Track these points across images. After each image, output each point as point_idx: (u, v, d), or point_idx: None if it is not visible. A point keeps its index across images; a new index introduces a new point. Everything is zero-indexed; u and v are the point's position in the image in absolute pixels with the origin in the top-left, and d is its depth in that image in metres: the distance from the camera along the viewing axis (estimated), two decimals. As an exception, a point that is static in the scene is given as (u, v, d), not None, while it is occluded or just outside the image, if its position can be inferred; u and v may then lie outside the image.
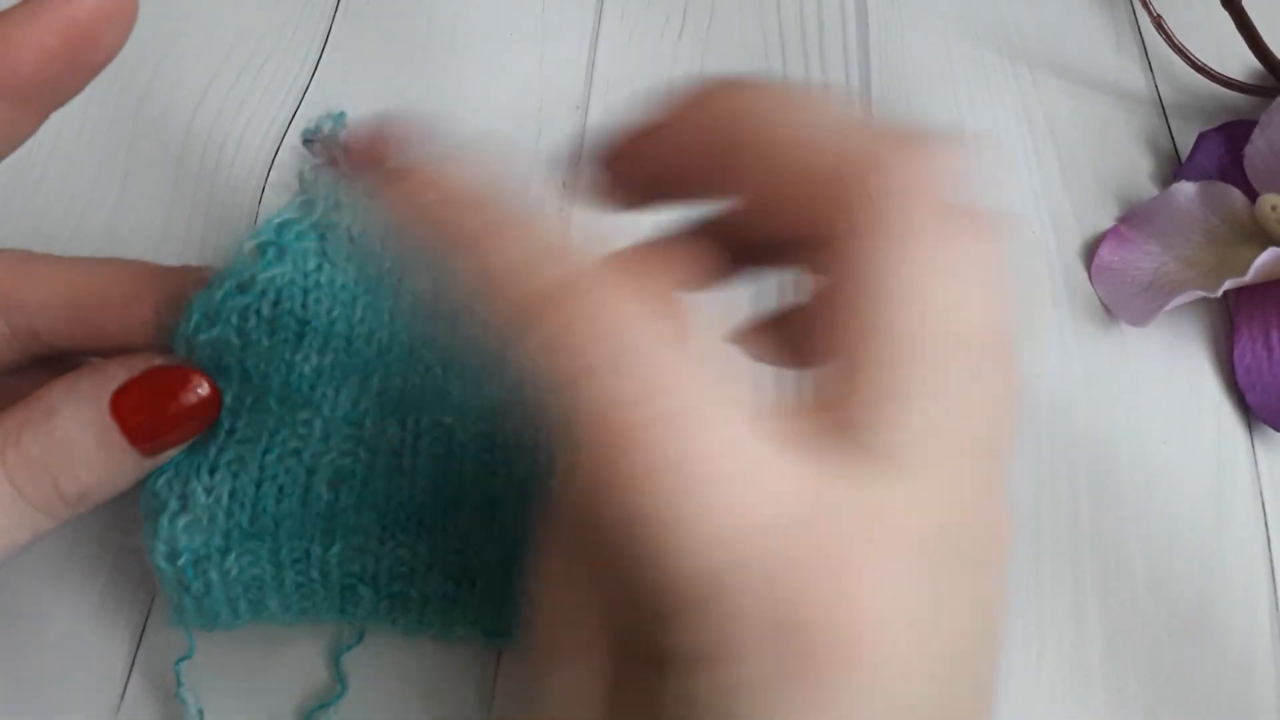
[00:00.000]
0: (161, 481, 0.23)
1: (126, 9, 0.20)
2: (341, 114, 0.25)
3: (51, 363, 0.24)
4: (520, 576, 0.25)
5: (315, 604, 0.24)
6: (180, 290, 0.23)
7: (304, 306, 0.23)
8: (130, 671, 0.26)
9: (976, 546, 0.16)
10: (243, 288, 0.23)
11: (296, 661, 0.26)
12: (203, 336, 0.23)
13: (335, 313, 0.24)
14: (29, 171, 0.33)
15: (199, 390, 0.22)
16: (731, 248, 0.20)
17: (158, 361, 0.22)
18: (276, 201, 0.33)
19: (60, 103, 0.21)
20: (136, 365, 0.22)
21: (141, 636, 0.26)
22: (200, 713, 0.25)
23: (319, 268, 0.23)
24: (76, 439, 0.20)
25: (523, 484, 0.25)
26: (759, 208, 0.18)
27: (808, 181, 0.17)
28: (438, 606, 0.25)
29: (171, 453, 0.22)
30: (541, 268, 0.16)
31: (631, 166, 0.20)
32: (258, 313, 0.23)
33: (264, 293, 0.23)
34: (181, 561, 0.22)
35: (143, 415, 0.21)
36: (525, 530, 0.25)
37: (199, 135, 0.34)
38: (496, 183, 0.18)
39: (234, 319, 0.23)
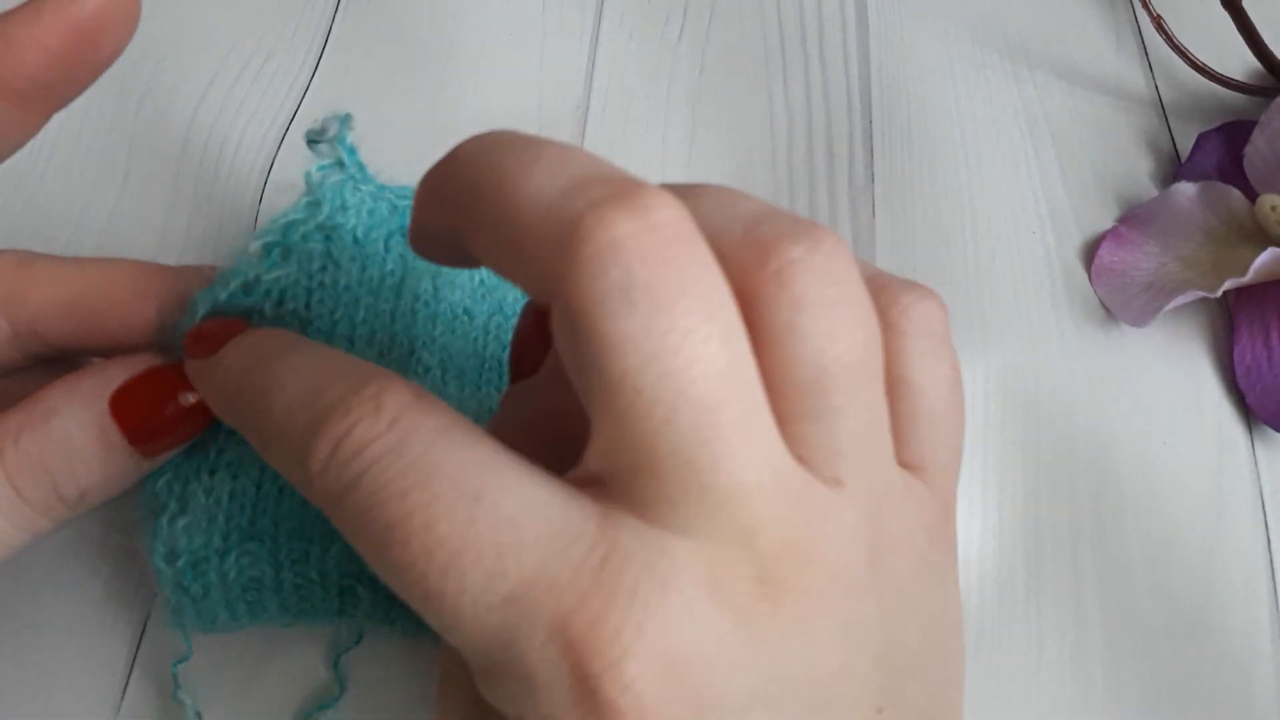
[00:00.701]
0: (161, 483, 0.23)
1: (130, 10, 0.20)
2: (347, 115, 0.25)
3: (53, 363, 0.24)
4: None
5: (314, 605, 0.24)
6: (183, 290, 0.23)
7: (308, 307, 0.23)
8: (130, 673, 0.26)
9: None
10: (247, 288, 0.23)
11: (295, 662, 0.26)
12: None
13: (339, 314, 0.24)
14: (29, 171, 0.33)
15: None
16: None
17: (158, 362, 0.22)
18: (277, 201, 0.33)
19: (63, 104, 0.21)
20: (136, 366, 0.22)
21: (141, 638, 0.26)
22: (198, 715, 0.25)
23: (324, 269, 0.23)
24: (76, 440, 0.20)
25: None
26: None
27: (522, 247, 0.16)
28: None
29: (171, 453, 0.22)
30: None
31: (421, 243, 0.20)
32: (261, 313, 0.23)
33: (268, 293, 0.23)
34: (180, 563, 0.22)
35: (143, 416, 0.21)
36: None
37: (199, 135, 0.34)
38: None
39: (239, 314, 0.23)
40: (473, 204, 0.16)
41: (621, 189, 0.14)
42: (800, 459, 0.16)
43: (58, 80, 0.20)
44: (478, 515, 0.15)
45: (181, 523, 0.22)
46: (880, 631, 0.17)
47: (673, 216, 0.15)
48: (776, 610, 0.15)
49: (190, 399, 0.22)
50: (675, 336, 0.14)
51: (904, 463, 0.19)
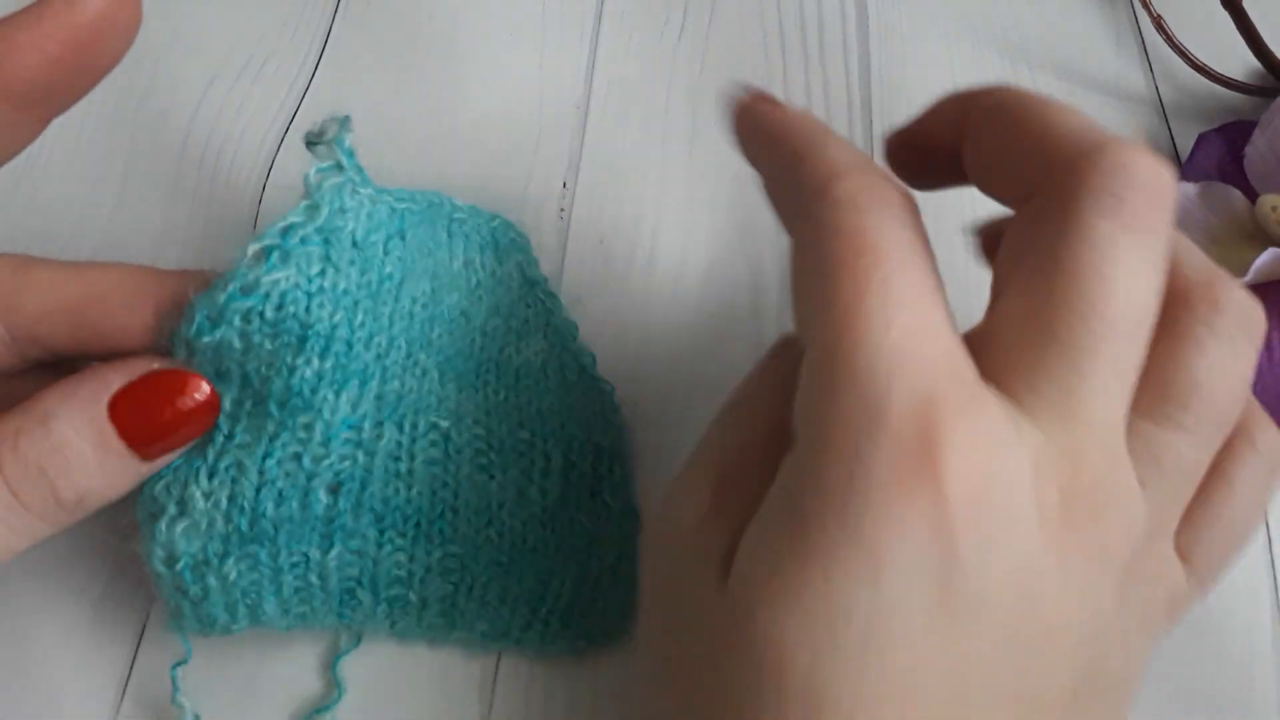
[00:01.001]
0: (160, 486, 0.23)
1: (130, 16, 0.20)
2: (346, 117, 0.25)
3: (52, 367, 0.24)
4: (517, 579, 0.25)
5: (313, 608, 0.24)
6: (181, 295, 0.23)
7: (307, 310, 0.23)
8: (129, 675, 0.26)
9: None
10: (246, 290, 0.23)
11: (294, 666, 0.26)
12: (205, 339, 0.23)
13: (338, 317, 0.23)
14: (29, 172, 0.33)
15: (198, 394, 0.22)
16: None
17: (156, 365, 0.22)
18: (277, 201, 0.33)
19: (63, 108, 0.21)
20: (135, 369, 0.22)
21: (140, 641, 0.26)
22: (197, 718, 0.25)
23: (322, 272, 0.23)
24: (74, 444, 0.20)
25: (518, 486, 0.25)
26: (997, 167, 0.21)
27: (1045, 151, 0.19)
28: (436, 609, 0.25)
29: (170, 457, 0.22)
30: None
31: (904, 152, 0.24)
32: (260, 315, 0.23)
33: (267, 295, 0.23)
34: (179, 566, 0.22)
35: (141, 420, 0.21)
36: (521, 533, 0.25)
37: (199, 136, 0.34)
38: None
39: (236, 321, 0.23)
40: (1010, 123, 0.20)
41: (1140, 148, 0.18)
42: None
43: (57, 85, 0.20)
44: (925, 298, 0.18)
45: (180, 526, 0.22)
46: (1101, 627, 0.18)
47: (1170, 185, 0.18)
48: (1066, 533, 0.17)
49: (191, 401, 0.22)
50: (1128, 258, 0.17)
51: (1178, 546, 0.20)
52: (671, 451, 0.28)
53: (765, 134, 0.21)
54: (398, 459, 0.24)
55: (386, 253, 0.25)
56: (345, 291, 0.24)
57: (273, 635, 0.25)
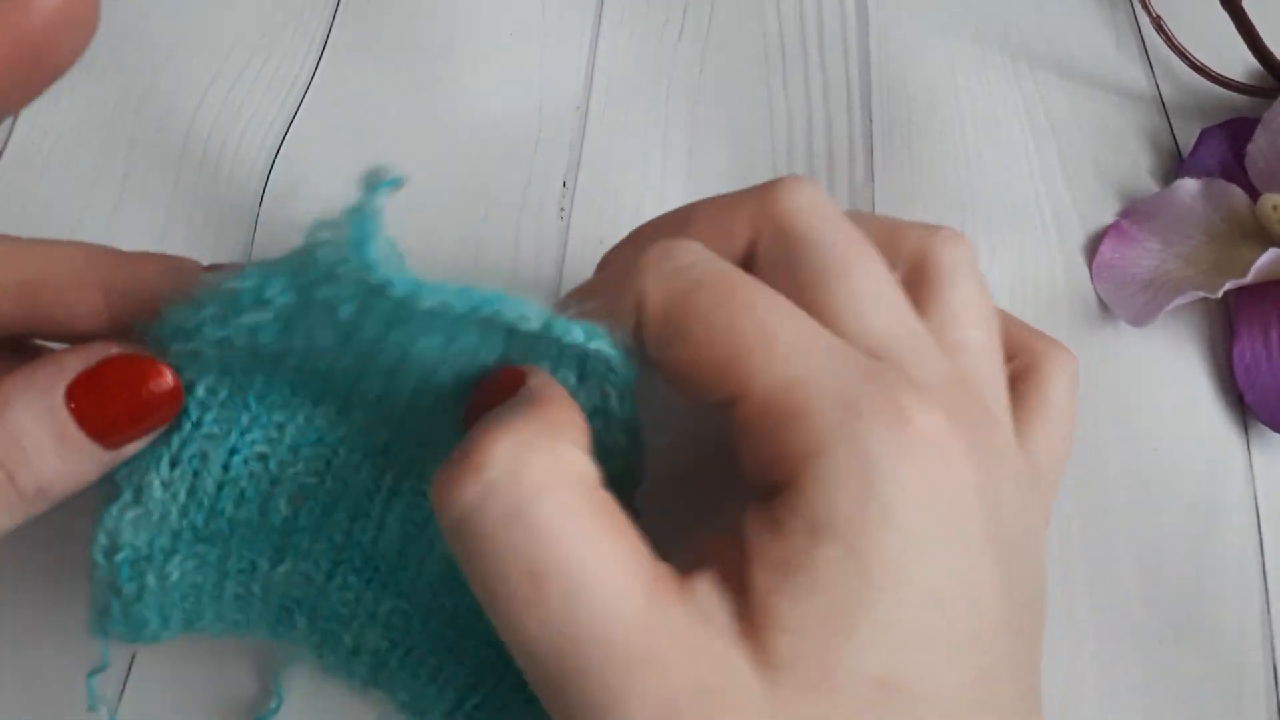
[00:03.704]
0: (122, 470, 0.21)
1: (86, 15, 0.19)
2: (395, 179, 0.18)
3: (15, 352, 0.23)
4: (456, 662, 0.23)
5: (249, 619, 0.23)
6: (134, 278, 0.22)
7: (281, 338, 0.20)
8: (128, 674, 0.26)
9: None
10: (219, 321, 0.20)
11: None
12: (175, 348, 0.21)
13: (313, 353, 0.20)
14: (28, 172, 0.33)
15: (162, 381, 0.21)
16: None
17: (114, 350, 0.20)
18: (277, 201, 0.33)
19: (16, 109, 0.20)
20: (94, 355, 0.20)
21: (136, 651, 0.26)
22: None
23: (301, 319, 0.20)
24: (32, 433, 0.19)
25: None
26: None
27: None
28: (367, 661, 0.24)
29: (135, 446, 0.21)
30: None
31: None
32: (233, 344, 0.20)
33: (240, 330, 0.20)
34: (119, 557, 0.21)
35: (101, 408, 0.20)
36: (476, 617, 0.21)
37: (199, 136, 0.34)
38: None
39: (211, 337, 0.20)
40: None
41: None
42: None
43: (9, 89, 0.19)
44: None
45: (131, 514, 0.21)
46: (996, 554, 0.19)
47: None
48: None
49: (154, 388, 0.20)
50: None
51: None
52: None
53: None
54: (371, 499, 0.23)
55: (386, 332, 0.19)
56: (326, 339, 0.20)
57: (211, 641, 0.24)
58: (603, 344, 0.20)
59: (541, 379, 0.20)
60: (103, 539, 0.21)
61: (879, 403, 0.18)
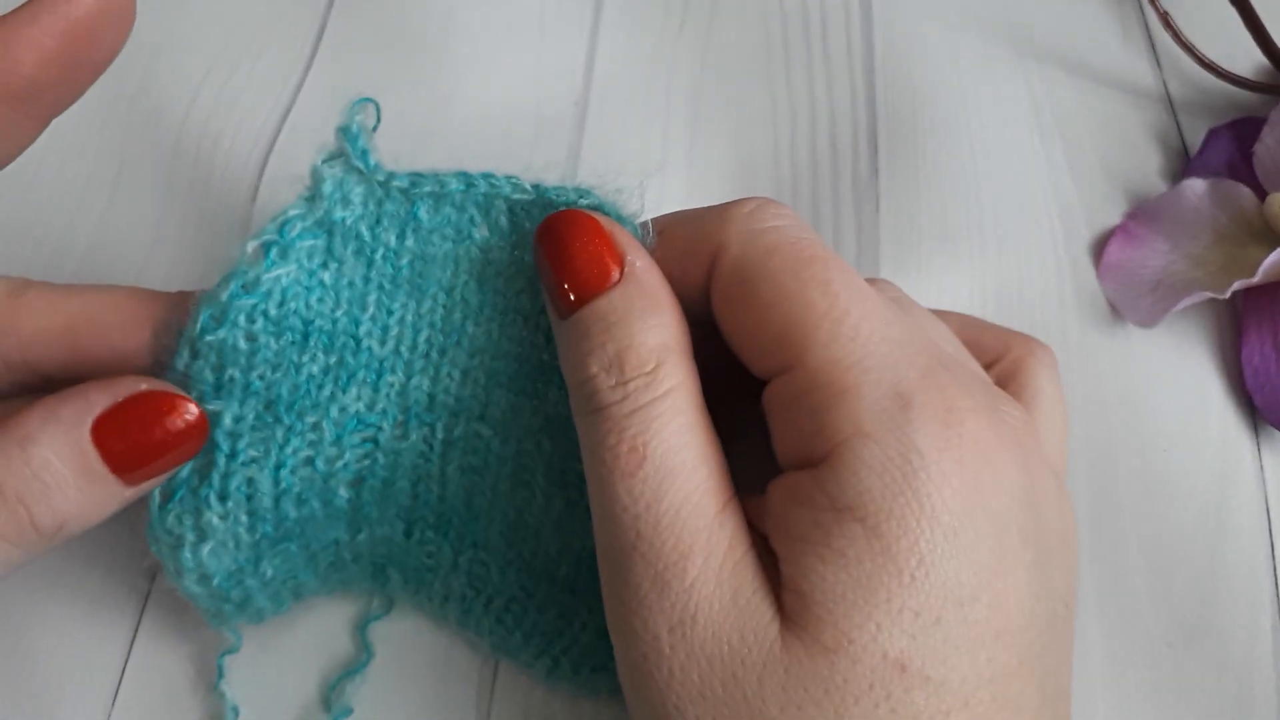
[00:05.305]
0: (170, 518, 0.22)
1: (125, 7, 0.20)
2: (359, 101, 0.24)
3: (41, 393, 0.23)
4: (538, 610, 0.25)
5: (349, 577, 0.25)
6: (178, 317, 0.22)
7: (308, 305, 0.22)
8: (124, 670, 0.26)
9: None
10: (248, 288, 0.22)
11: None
12: (209, 337, 0.22)
13: (340, 311, 0.23)
14: (21, 170, 0.32)
15: (187, 415, 0.21)
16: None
17: (143, 386, 0.21)
18: (272, 197, 0.33)
19: (63, 107, 0.20)
20: (120, 389, 0.20)
21: (136, 633, 0.26)
22: (236, 710, 0.25)
23: (324, 265, 0.23)
24: (55, 469, 0.19)
25: (560, 516, 0.24)
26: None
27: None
28: (455, 608, 0.25)
29: (154, 483, 0.21)
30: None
31: None
32: (265, 314, 0.22)
33: (269, 293, 0.22)
34: (216, 582, 0.22)
35: (127, 442, 0.20)
36: (555, 563, 0.25)
37: (193, 131, 0.34)
38: None
39: (241, 320, 0.22)
40: None
41: None
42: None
43: (56, 82, 0.20)
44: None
45: (205, 549, 0.22)
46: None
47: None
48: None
49: (180, 424, 0.21)
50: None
51: None
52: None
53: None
54: (427, 459, 0.24)
55: (400, 241, 0.23)
56: (350, 284, 0.23)
57: (299, 603, 0.26)
58: (594, 199, 0.22)
59: (646, 260, 0.21)
60: (191, 574, 0.22)
61: (932, 399, 0.19)
